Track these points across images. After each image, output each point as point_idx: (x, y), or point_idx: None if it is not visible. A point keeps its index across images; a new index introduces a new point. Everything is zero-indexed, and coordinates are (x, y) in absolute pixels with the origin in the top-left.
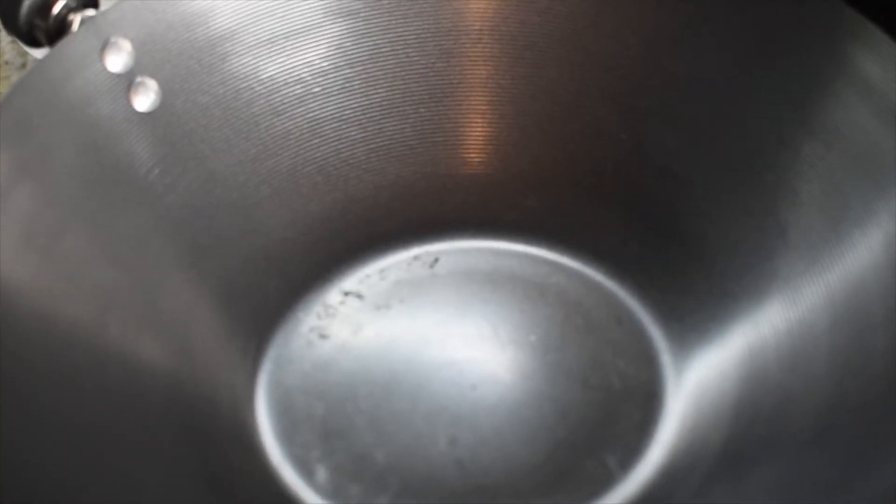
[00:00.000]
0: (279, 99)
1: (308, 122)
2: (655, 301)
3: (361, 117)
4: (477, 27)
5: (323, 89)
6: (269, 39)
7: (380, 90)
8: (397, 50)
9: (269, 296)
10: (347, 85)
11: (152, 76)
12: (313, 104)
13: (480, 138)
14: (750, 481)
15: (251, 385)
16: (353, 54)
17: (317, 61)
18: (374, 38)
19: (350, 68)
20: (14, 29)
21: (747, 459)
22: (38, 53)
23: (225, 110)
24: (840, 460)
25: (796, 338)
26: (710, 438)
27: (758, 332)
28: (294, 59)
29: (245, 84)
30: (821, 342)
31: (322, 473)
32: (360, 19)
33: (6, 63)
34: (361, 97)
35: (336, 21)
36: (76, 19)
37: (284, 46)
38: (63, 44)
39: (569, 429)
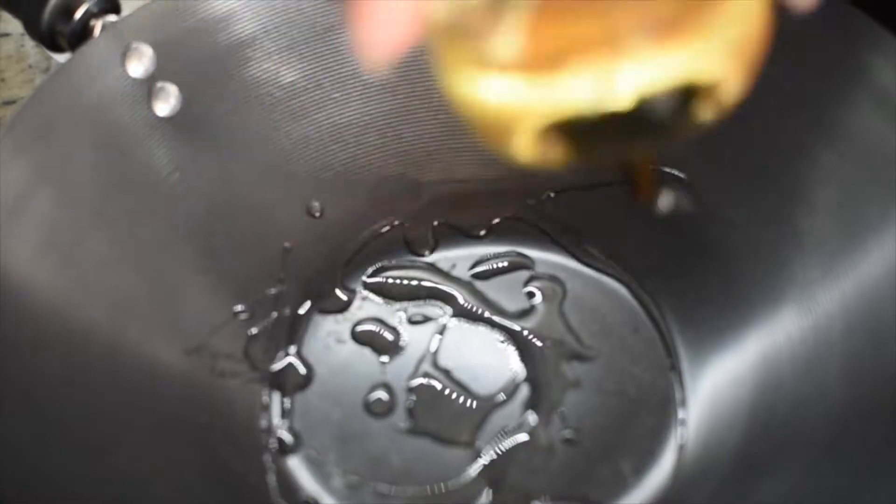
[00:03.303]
0: (299, 104)
1: (327, 128)
2: (672, 307)
3: (380, 123)
4: None
5: (342, 95)
6: (288, 46)
7: (399, 96)
8: (416, 56)
9: (287, 299)
10: (366, 91)
11: (173, 81)
12: (333, 110)
13: None
14: (763, 486)
15: (268, 389)
16: None
17: (336, 67)
18: None
19: (369, 74)
20: (36, 33)
21: (761, 465)
22: (61, 58)
23: (244, 115)
24: (853, 466)
25: (810, 345)
26: (724, 444)
27: (773, 338)
28: (314, 65)
29: (265, 90)
30: (835, 349)
31: (338, 477)
32: None
33: (30, 66)
34: (380, 103)
35: None
36: (98, 25)
37: (304, 52)
38: (85, 49)
39: (583, 434)
